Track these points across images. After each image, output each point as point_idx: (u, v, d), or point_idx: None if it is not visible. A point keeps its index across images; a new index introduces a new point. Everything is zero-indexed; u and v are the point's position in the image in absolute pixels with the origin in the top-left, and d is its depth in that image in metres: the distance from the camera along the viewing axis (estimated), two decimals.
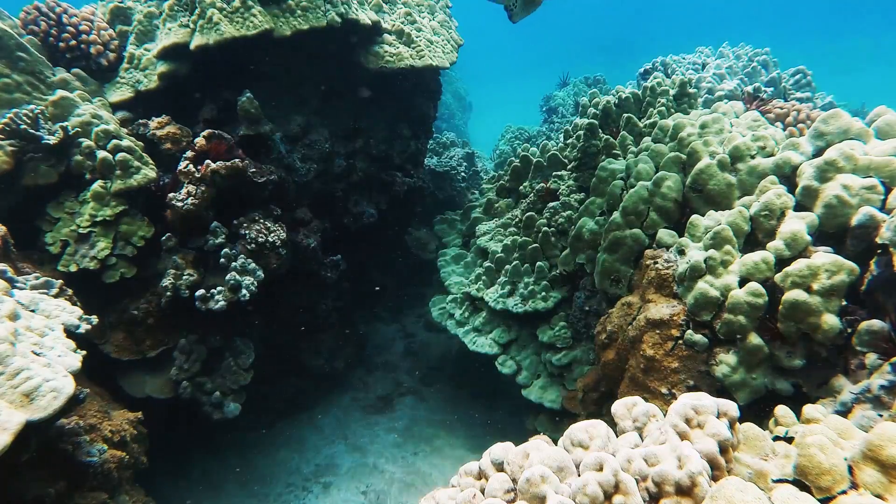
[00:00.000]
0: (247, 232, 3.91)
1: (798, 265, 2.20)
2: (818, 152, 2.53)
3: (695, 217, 2.75)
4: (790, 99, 4.97)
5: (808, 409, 1.72)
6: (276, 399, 4.90)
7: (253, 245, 3.90)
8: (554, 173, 4.40)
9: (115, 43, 4.19)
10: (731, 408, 1.53)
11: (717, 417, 1.50)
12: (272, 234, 3.98)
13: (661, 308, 2.58)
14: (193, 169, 3.74)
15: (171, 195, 3.70)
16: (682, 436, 1.46)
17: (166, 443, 3.65)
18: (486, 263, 4.45)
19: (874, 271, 2.09)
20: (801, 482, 1.41)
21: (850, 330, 2.12)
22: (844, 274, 2.11)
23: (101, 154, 3.50)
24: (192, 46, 3.80)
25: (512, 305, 4.08)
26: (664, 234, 2.85)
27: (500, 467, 1.51)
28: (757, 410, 2.26)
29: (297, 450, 4.60)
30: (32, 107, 3.43)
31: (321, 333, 5.19)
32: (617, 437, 1.57)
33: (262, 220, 4.02)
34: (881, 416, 1.81)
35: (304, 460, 4.49)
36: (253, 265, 3.83)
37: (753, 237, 2.53)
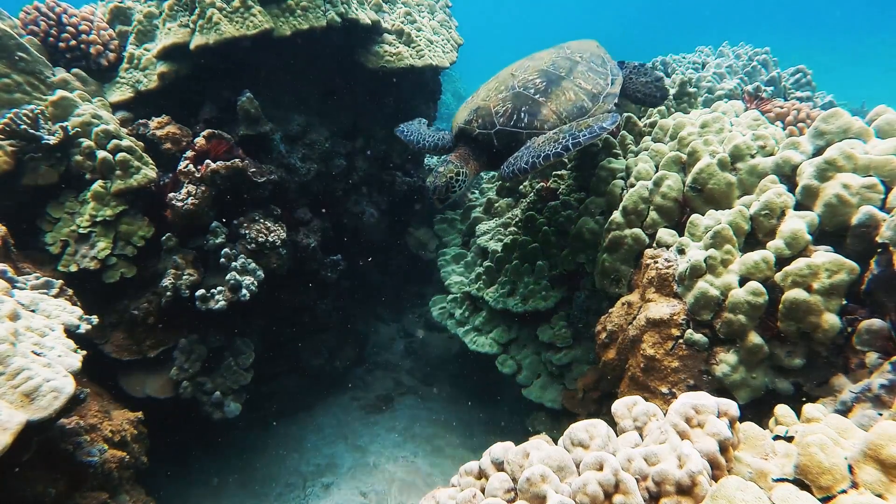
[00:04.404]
0: (247, 232, 3.91)
1: (798, 264, 2.19)
2: (818, 151, 2.53)
3: (695, 216, 2.75)
4: (790, 98, 4.97)
5: (809, 409, 1.72)
6: (277, 399, 4.91)
7: (253, 245, 3.90)
8: (554, 172, 4.40)
9: (115, 43, 4.19)
10: (732, 407, 1.53)
11: (718, 417, 1.50)
12: (272, 234, 3.98)
13: (661, 307, 2.58)
14: (193, 169, 3.74)
15: (171, 195, 3.70)
16: (683, 435, 1.46)
17: (167, 443, 3.66)
18: (487, 263, 4.45)
19: (874, 270, 2.08)
20: (801, 481, 1.41)
21: (850, 329, 2.11)
22: (845, 273, 2.11)
23: (101, 154, 3.51)
24: (191, 46, 3.80)
25: (512, 305, 4.07)
26: (664, 234, 2.85)
27: (500, 467, 1.51)
28: (757, 410, 2.26)
29: (298, 449, 4.60)
30: (32, 107, 3.43)
31: (321, 333, 5.19)
32: (617, 436, 1.57)
33: (262, 220, 4.02)
34: (881, 415, 1.81)
35: (304, 460, 4.49)
36: (253, 265, 3.83)
37: (754, 236, 2.53)
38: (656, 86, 3.74)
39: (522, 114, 3.15)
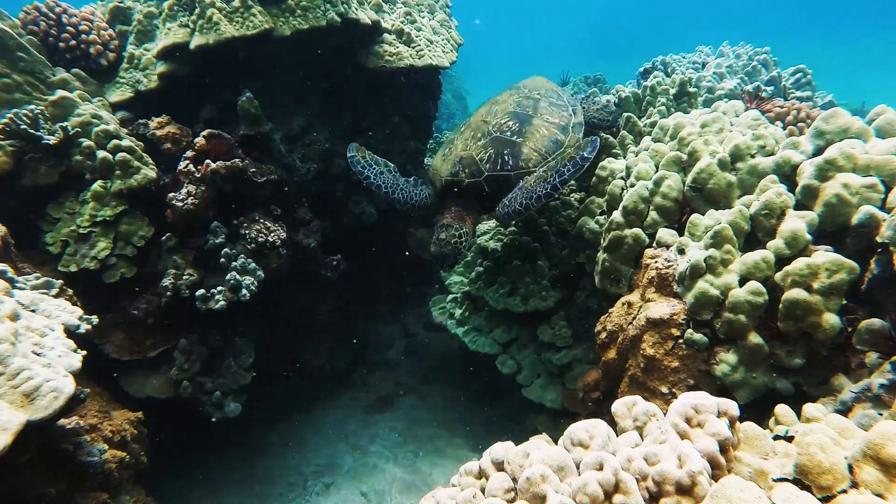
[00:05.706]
0: (247, 232, 3.91)
1: (798, 264, 2.19)
2: (818, 151, 2.53)
3: (695, 216, 2.74)
4: (790, 98, 4.96)
5: (809, 408, 1.72)
6: (277, 399, 4.91)
7: (253, 245, 3.90)
8: None
9: (115, 43, 4.19)
10: (732, 407, 1.53)
11: (718, 417, 1.50)
12: (272, 234, 3.98)
13: (661, 307, 2.58)
14: (193, 169, 3.74)
15: (171, 195, 3.70)
16: (683, 435, 1.46)
17: (167, 443, 3.66)
18: (487, 262, 4.45)
19: (874, 270, 2.08)
20: (801, 481, 1.41)
21: (850, 329, 2.11)
22: (845, 273, 2.11)
23: (101, 154, 3.51)
24: (191, 46, 3.80)
25: (512, 305, 4.07)
26: (664, 234, 2.85)
27: (500, 467, 1.51)
28: (757, 409, 2.25)
29: (298, 449, 4.60)
30: (32, 107, 3.43)
31: (322, 333, 5.19)
32: (617, 436, 1.57)
33: (262, 220, 4.02)
34: (881, 414, 1.81)
35: (304, 460, 4.50)
36: (253, 265, 3.83)
37: (753, 236, 2.53)
38: (607, 110, 4.10)
39: (506, 156, 3.30)
